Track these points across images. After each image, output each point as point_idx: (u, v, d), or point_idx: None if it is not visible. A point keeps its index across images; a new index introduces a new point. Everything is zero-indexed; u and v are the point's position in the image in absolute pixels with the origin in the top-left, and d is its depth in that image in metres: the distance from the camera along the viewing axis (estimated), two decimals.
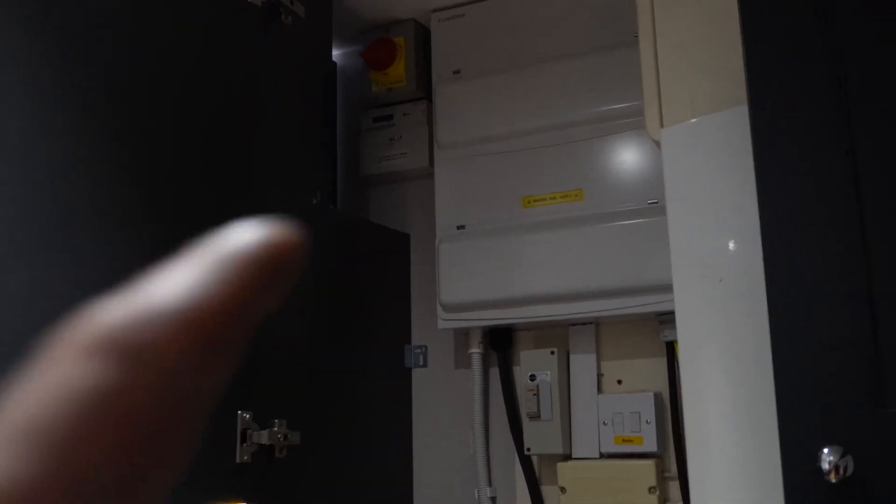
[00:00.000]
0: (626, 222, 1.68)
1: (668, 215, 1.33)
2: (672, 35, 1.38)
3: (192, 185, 1.41)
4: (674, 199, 1.33)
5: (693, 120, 1.32)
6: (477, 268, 1.78)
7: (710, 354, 1.26)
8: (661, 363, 1.72)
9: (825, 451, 1.07)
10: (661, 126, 1.35)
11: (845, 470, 1.04)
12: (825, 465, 1.05)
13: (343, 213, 1.99)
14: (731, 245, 1.26)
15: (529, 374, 1.77)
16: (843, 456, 1.06)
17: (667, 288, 1.63)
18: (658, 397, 1.70)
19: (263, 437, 1.40)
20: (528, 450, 1.76)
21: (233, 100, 1.51)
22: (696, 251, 1.29)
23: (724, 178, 1.28)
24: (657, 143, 1.37)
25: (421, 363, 1.96)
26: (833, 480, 1.05)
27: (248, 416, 1.39)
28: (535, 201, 1.77)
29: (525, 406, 1.76)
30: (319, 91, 1.77)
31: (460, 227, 1.83)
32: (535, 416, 1.74)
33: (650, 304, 1.65)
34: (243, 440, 1.37)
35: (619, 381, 1.77)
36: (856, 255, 1.10)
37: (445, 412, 1.92)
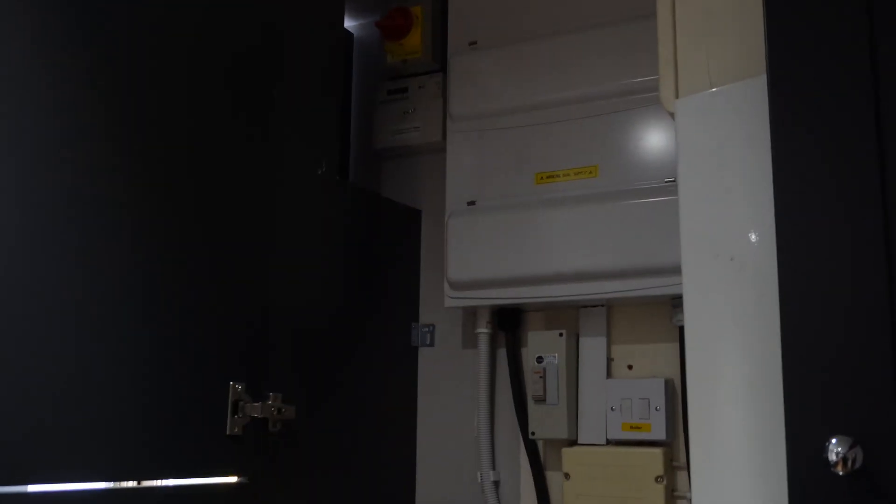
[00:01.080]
0: (642, 201, 1.61)
1: (679, 190, 1.27)
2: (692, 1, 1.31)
3: (202, 152, 1.37)
4: (686, 174, 1.26)
5: (710, 90, 1.26)
6: (486, 245, 1.73)
7: (718, 337, 1.19)
8: (674, 349, 1.65)
9: (833, 441, 1.01)
10: (676, 96, 1.29)
11: (854, 462, 0.98)
12: (832, 457, 0.99)
13: (354, 185, 1.94)
14: (745, 224, 1.19)
15: (536, 356, 1.72)
16: (851, 447, 1.00)
17: (679, 270, 1.57)
18: (669, 384, 1.64)
19: (256, 409, 1.36)
20: (533, 434, 1.71)
21: (243, 67, 1.47)
22: (708, 229, 1.23)
23: (741, 153, 1.21)
24: (671, 115, 1.30)
25: (428, 342, 1.91)
26: (840, 473, 0.98)
27: (239, 387, 1.35)
28: (548, 178, 1.72)
29: (531, 389, 1.71)
30: (330, 59, 1.72)
31: (471, 203, 1.78)
32: (541, 400, 1.69)
33: (664, 286, 1.58)
34: (234, 412, 1.34)
35: (630, 367, 1.71)
36: (876, 237, 1.03)
37: (451, 393, 1.88)
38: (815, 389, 1.05)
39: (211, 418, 1.31)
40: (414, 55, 1.92)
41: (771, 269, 1.15)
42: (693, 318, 1.23)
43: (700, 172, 1.25)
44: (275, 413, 1.40)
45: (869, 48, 1.06)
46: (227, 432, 1.32)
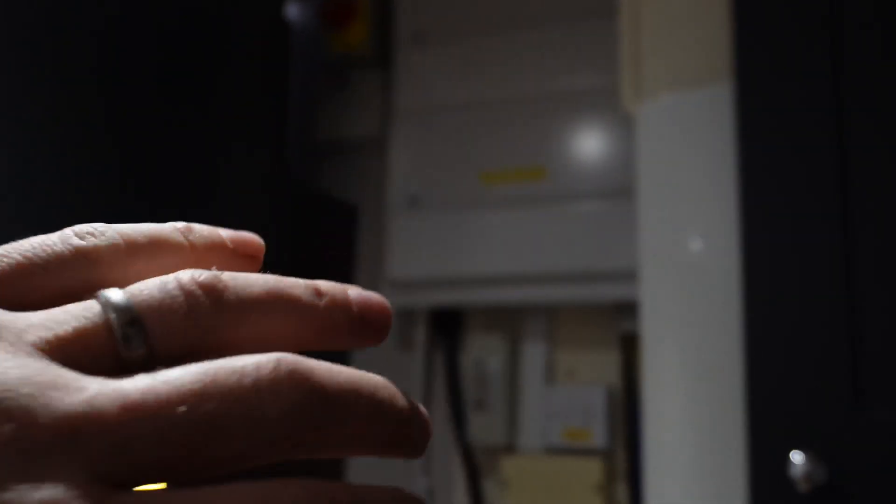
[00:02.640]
0: (589, 205, 1.58)
1: (638, 197, 1.24)
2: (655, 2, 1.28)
3: (135, 150, 1.27)
4: (646, 181, 1.23)
5: (673, 94, 1.23)
6: (428, 244, 1.67)
7: (676, 348, 1.16)
8: (616, 355, 1.63)
9: (795, 456, 0.99)
10: (638, 99, 1.25)
11: (818, 478, 0.96)
12: (795, 473, 0.97)
13: (292, 179, 1.86)
14: (706, 231, 1.16)
15: (476, 360, 1.67)
16: (815, 462, 0.98)
17: (627, 277, 1.55)
18: (611, 391, 1.61)
19: None
20: (470, 441, 1.66)
21: (180, 54, 1.38)
22: (667, 238, 1.20)
23: (703, 158, 1.18)
24: (631, 118, 1.27)
25: None
26: (804, 489, 0.96)
27: None
28: (494, 177, 1.67)
29: (470, 394, 1.66)
30: (272, 47, 1.64)
31: (414, 201, 1.72)
32: (480, 406, 1.64)
33: (609, 292, 1.56)
34: None
35: (571, 373, 1.68)
36: (838, 248, 1.01)
37: None
38: (777, 404, 1.02)
39: None
40: (357, 46, 1.85)
41: (732, 279, 1.13)
42: (650, 326, 1.20)
43: (660, 177, 1.22)
44: None
45: (833, 57, 1.05)
46: None
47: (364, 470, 1.79)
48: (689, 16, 1.25)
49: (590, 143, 1.61)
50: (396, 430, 0.25)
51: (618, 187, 1.57)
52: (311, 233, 1.79)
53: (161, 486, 0.20)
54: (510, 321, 1.72)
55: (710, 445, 1.11)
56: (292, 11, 1.81)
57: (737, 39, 1.10)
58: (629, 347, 1.60)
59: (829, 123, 1.04)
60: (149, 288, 0.23)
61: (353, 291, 0.27)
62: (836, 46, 1.05)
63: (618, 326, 1.61)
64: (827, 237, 1.01)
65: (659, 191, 1.22)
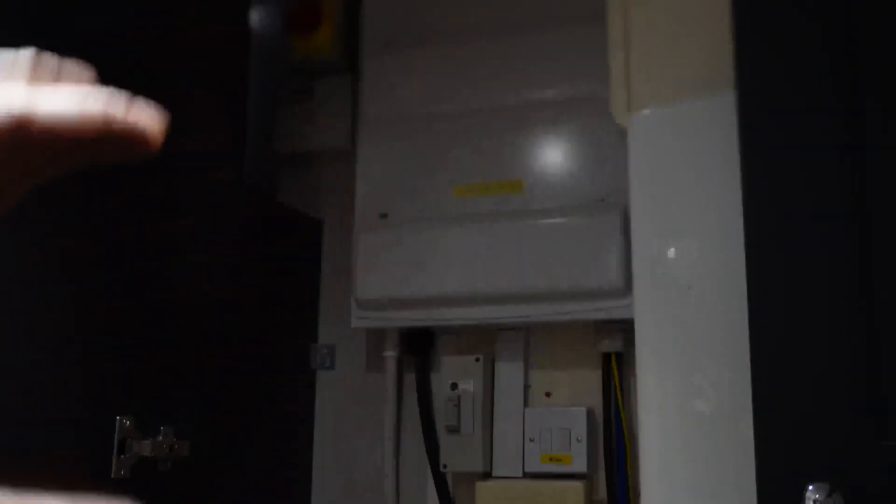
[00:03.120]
0: (569, 220, 1.52)
1: (631, 211, 1.19)
2: (646, 8, 1.23)
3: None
4: (639, 194, 1.18)
5: (667, 106, 1.18)
6: (399, 262, 1.59)
7: (674, 371, 1.11)
8: (597, 376, 1.57)
9: (810, 488, 0.94)
10: (629, 110, 1.20)
11: None
12: None
13: (248, 191, 1.76)
14: (706, 249, 1.11)
15: (451, 382, 1.59)
16: (830, 494, 0.93)
17: (608, 294, 1.49)
18: (591, 413, 1.55)
19: (146, 447, 1.17)
20: (445, 466, 1.58)
21: (139, 60, 1.28)
22: (663, 254, 1.15)
23: (700, 173, 1.14)
24: (623, 129, 1.22)
25: (327, 364, 1.76)
26: None
27: (128, 422, 1.16)
28: (468, 191, 1.60)
29: (444, 418, 1.58)
30: (233, 54, 1.55)
31: (383, 216, 1.64)
32: (455, 430, 1.57)
33: (590, 311, 1.50)
34: (121, 451, 1.14)
35: (548, 394, 1.62)
36: (853, 265, 0.97)
37: (352, 421, 1.73)
38: (789, 432, 0.98)
39: (94, 460, 1.12)
40: (323, 52, 1.77)
41: (734, 297, 1.08)
42: (646, 348, 1.14)
43: (654, 191, 1.17)
44: (166, 450, 1.21)
45: (842, 68, 1.01)
46: (113, 475, 1.13)
47: (330, 497, 1.70)
48: (681, 29, 1.20)
49: (570, 156, 1.56)
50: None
51: (598, 202, 1.52)
52: (274, 249, 1.70)
53: None
54: (485, 341, 1.65)
55: (716, 476, 1.06)
56: (255, 16, 1.72)
57: (739, 49, 1.05)
58: (610, 367, 1.54)
59: (835, 132, 1.00)
60: None
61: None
62: (841, 57, 1.01)
63: (598, 345, 1.56)
64: (842, 253, 0.97)
65: (652, 203, 1.16)
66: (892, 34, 1.00)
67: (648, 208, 1.17)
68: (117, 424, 1.14)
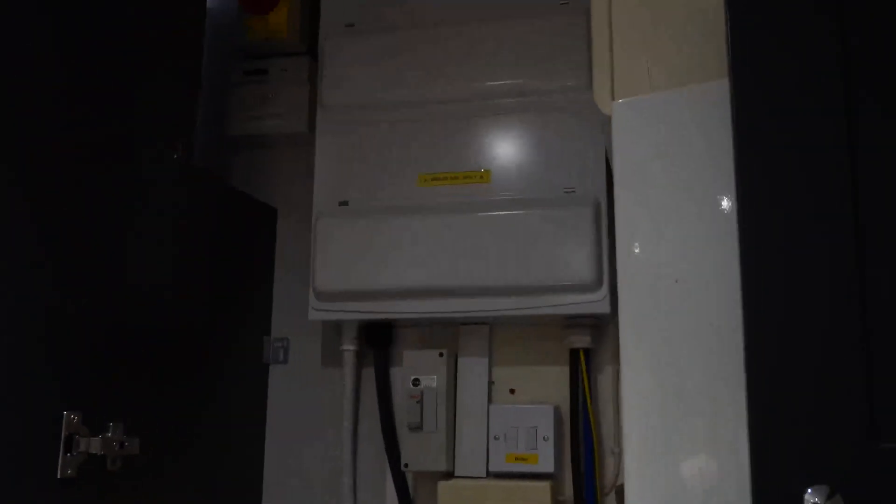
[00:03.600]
0: (537, 212, 1.48)
1: (616, 202, 1.14)
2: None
3: (38, 138, 1.08)
4: (624, 184, 1.14)
5: (651, 94, 1.14)
6: (360, 252, 1.53)
7: (660, 368, 1.07)
8: (562, 372, 1.53)
9: (808, 491, 0.90)
10: (613, 98, 1.16)
11: None
12: None
13: (200, 174, 1.67)
14: (693, 243, 1.08)
15: (413, 378, 1.54)
16: (830, 497, 0.90)
17: (578, 289, 1.45)
18: (557, 410, 1.51)
19: (95, 444, 1.08)
20: (406, 465, 1.52)
21: (91, 40, 1.20)
22: (649, 247, 1.11)
23: (688, 162, 1.10)
24: (607, 118, 1.17)
25: (281, 359, 1.68)
26: None
27: (76, 417, 1.07)
28: (433, 180, 1.54)
29: (406, 415, 1.52)
30: (188, 33, 1.47)
31: (343, 203, 1.57)
32: (417, 427, 1.51)
33: (559, 305, 1.46)
34: (67, 449, 1.05)
35: (512, 391, 1.57)
36: (850, 264, 0.94)
37: (307, 417, 1.65)
38: (785, 433, 0.94)
39: (38, 458, 1.02)
40: (278, 34, 1.69)
41: (724, 291, 1.05)
42: (631, 344, 1.10)
43: (640, 182, 1.13)
44: (116, 448, 1.12)
45: (839, 56, 0.99)
46: (59, 475, 1.04)
47: (283, 497, 1.63)
48: (666, 14, 1.17)
49: (538, 145, 1.51)
50: None
51: (568, 193, 1.48)
52: (227, 237, 1.61)
53: None
54: (447, 335, 1.60)
55: (708, 481, 1.02)
56: None
57: (733, 38, 1.02)
58: (578, 363, 1.51)
59: (831, 124, 0.98)
60: None
61: None
62: (837, 48, 0.99)
63: (565, 340, 1.52)
64: (836, 246, 0.94)
65: (636, 192, 1.13)
66: (887, 28, 0.98)
67: (632, 198, 1.13)
68: (64, 420, 1.05)
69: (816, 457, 0.92)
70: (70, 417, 1.06)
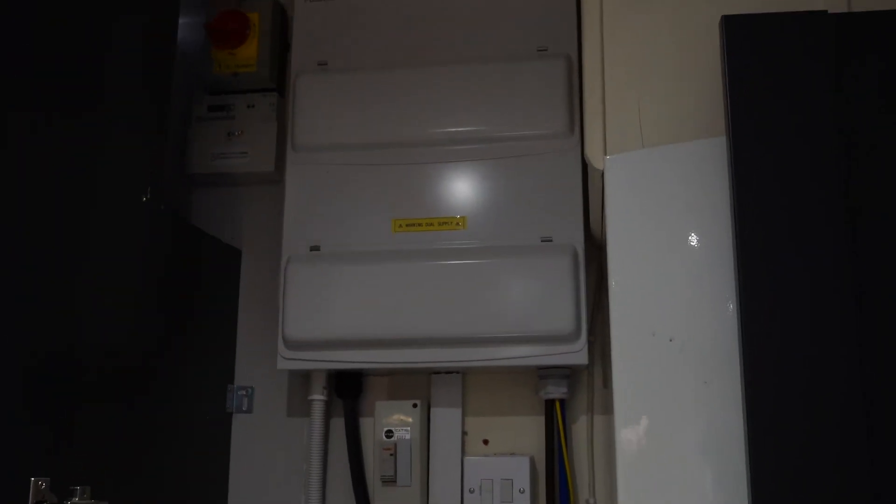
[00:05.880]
0: (514, 260, 1.46)
1: (608, 257, 1.13)
2: (623, 51, 1.19)
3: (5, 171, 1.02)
4: (617, 240, 1.13)
5: (645, 149, 1.13)
6: (331, 299, 1.48)
7: (654, 427, 1.06)
8: (536, 422, 1.51)
9: None
10: (605, 153, 1.15)
11: None
12: None
13: (161, 213, 1.60)
14: (689, 299, 1.07)
15: (386, 429, 1.49)
16: None
17: (557, 339, 1.43)
18: (533, 462, 1.48)
19: None
20: None
21: (61, 70, 1.14)
22: (643, 303, 1.09)
23: (682, 218, 1.10)
24: (599, 172, 1.16)
25: (245, 408, 1.61)
26: None
27: (43, 483, 1.00)
28: (408, 226, 1.51)
29: (379, 468, 1.48)
30: (159, 70, 1.41)
31: (314, 248, 1.52)
32: (391, 481, 1.47)
33: (533, 356, 1.43)
34: None
35: (486, 441, 1.54)
36: (846, 311, 0.95)
37: (273, 469, 1.59)
38: (784, 481, 0.94)
39: None
40: (247, 68, 1.64)
41: (720, 351, 1.04)
42: (624, 402, 1.09)
43: (633, 237, 1.12)
44: None
45: (834, 117, 1.00)
46: None
47: None
48: (656, 74, 1.17)
49: (516, 193, 1.49)
50: None
51: (545, 241, 1.46)
52: (186, 276, 1.54)
53: None
54: (419, 385, 1.56)
55: None
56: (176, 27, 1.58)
57: (729, 97, 1.02)
58: (553, 414, 1.48)
59: (826, 183, 0.98)
60: None
61: None
62: (831, 105, 1.00)
63: (541, 391, 1.49)
64: (834, 298, 0.95)
65: (633, 249, 1.11)
66: (882, 93, 0.99)
67: (625, 255, 1.12)
68: (32, 487, 0.98)
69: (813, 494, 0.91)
70: (38, 484, 0.99)
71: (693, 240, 1.09)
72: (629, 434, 1.08)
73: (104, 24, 1.28)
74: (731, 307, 1.04)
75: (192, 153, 1.67)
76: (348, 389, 1.57)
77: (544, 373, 1.49)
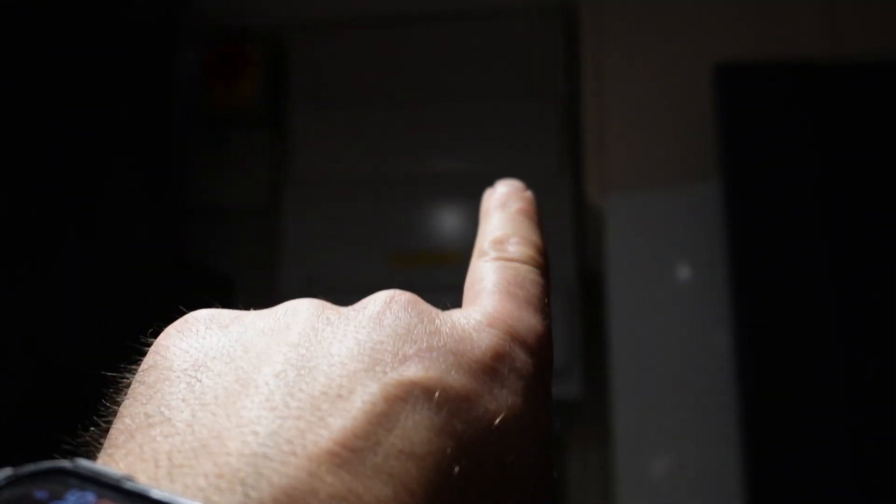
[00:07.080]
0: None
1: (609, 298, 1.16)
2: (623, 94, 1.22)
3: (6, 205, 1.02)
4: (617, 279, 1.15)
5: (646, 188, 1.17)
6: None
7: (658, 464, 1.08)
8: None
9: None
10: (604, 191, 1.18)
11: None
12: None
13: (150, 245, 1.60)
14: (690, 335, 1.10)
15: None
16: None
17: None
18: None
19: None
20: None
21: (60, 101, 1.15)
22: (643, 343, 1.12)
23: (679, 253, 1.13)
24: (598, 211, 1.19)
25: None
26: None
27: None
28: (406, 259, 1.53)
29: None
30: (153, 103, 1.42)
31: (310, 281, 1.53)
32: None
33: None
34: None
35: None
36: (841, 352, 0.98)
37: None
38: None
39: None
40: (244, 102, 1.66)
41: (717, 382, 1.06)
42: (626, 439, 1.11)
43: (633, 274, 1.15)
44: None
45: (821, 164, 1.04)
46: None
47: None
48: (655, 118, 1.20)
49: None
50: None
51: None
52: (177, 307, 1.54)
53: None
54: None
55: None
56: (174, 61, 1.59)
57: (723, 140, 1.06)
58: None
59: (816, 224, 1.02)
60: None
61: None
62: (819, 148, 1.04)
63: None
64: (827, 335, 0.98)
65: (633, 287, 1.14)
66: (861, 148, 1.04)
67: (626, 293, 1.14)
68: None
69: None
70: None
71: (688, 274, 1.12)
72: (630, 465, 1.10)
73: (101, 56, 1.29)
74: (726, 339, 1.07)
75: (186, 185, 1.67)
76: None
77: None
